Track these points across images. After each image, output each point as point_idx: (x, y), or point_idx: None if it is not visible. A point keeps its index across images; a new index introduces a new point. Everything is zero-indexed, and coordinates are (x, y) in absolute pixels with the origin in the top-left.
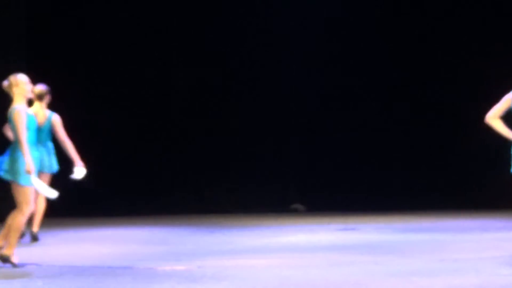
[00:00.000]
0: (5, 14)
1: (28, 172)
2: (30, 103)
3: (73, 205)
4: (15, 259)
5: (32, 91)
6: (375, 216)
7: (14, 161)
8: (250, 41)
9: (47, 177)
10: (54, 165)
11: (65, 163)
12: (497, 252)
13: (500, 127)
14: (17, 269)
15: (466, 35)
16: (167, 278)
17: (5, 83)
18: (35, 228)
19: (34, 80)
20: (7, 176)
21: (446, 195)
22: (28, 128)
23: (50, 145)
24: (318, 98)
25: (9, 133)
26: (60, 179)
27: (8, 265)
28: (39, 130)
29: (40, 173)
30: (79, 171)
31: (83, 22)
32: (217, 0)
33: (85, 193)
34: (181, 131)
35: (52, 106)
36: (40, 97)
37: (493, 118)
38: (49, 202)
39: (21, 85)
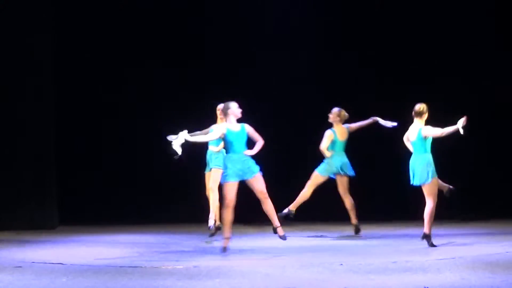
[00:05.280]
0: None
1: None
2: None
3: (89, 215)
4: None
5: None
6: (339, 225)
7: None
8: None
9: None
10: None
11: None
12: (441, 255)
13: (328, 154)
14: (45, 267)
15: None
16: (169, 276)
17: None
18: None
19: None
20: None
21: (400, 207)
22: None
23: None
24: (292, 111)
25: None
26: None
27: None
28: None
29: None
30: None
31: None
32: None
33: (100, 204)
34: None
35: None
36: None
37: (324, 149)
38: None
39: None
